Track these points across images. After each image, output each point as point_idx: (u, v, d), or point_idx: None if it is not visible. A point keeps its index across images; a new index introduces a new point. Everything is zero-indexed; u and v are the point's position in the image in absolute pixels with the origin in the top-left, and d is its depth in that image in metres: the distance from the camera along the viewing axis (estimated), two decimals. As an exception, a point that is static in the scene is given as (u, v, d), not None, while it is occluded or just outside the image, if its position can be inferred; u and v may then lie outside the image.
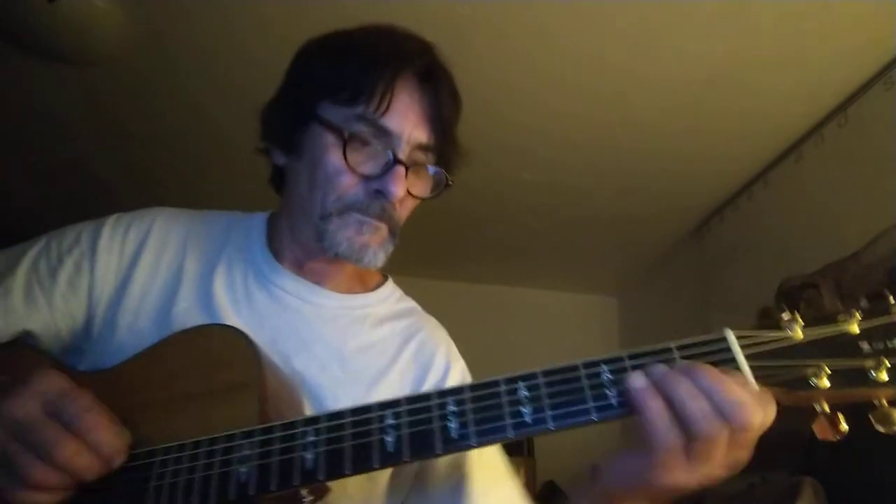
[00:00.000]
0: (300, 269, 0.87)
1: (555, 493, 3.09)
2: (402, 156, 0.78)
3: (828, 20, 1.70)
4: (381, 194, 0.77)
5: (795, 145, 2.23)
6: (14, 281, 0.79)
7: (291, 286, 0.85)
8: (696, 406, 0.53)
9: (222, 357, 0.70)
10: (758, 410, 0.53)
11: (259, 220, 0.92)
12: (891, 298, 0.57)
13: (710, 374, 0.54)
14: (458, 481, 0.79)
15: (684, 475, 0.54)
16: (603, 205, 2.78)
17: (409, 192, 0.80)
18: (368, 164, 0.78)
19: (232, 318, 0.81)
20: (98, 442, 0.59)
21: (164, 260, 0.85)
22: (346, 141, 0.76)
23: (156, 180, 2.76)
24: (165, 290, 0.82)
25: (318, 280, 0.87)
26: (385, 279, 0.97)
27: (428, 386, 0.86)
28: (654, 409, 0.54)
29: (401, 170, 0.77)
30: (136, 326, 0.79)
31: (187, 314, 0.80)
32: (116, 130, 2.44)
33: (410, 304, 0.97)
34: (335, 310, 0.87)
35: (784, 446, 0.57)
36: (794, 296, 2.12)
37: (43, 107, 2.30)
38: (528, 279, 3.69)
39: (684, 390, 0.54)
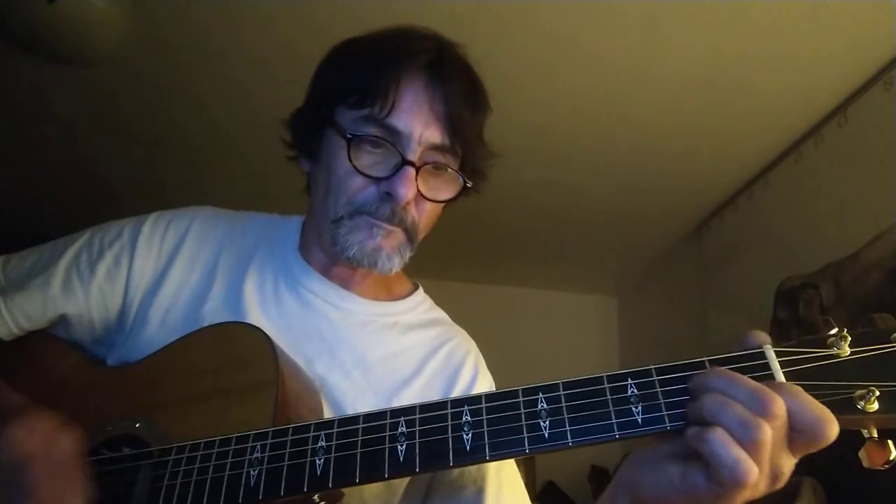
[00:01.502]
0: (328, 273, 0.87)
1: (555, 493, 3.09)
2: (412, 156, 0.76)
3: (827, 20, 1.70)
4: (389, 196, 0.76)
5: (795, 145, 2.23)
6: (56, 271, 0.81)
7: (321, 290, 0.86)
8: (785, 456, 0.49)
9: (242, 356, 0.70)
10: (832, 426, 0.49)
11: (295, 223, 0.93)
12: None
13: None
14: (476, 488, 0.78)
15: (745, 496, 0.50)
16: (603, 205, 2.78)
17: (422, 195, 0.79)
18: (379, 167, 0.77)
19: (259, 318, 0.81)
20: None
21: (201, 259, 0.86)
22: (350, 142, 0.76)
23: (157, 179, 2.76)
24: (198, 289, 0.84)
25: (346, 285, 0.87)
26: (416, 287, 0.97)
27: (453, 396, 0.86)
28: (717, 439, 0.48)
29: (410, 171, 0.75)
30: (167, 322, 0.81)
31: (216, 313, 0.81)
32: (117, 130, 2.44)
33: (441, 314, 0.97)
34: (363, 316, 0.87)
35: None
36: (793, 296, 2.12)
37: (43, 107, 2.30)
38: (528, 279, 3.69)
39: (721, 400, 0.49)
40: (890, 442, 0.50)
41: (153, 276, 0.83)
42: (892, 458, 0.49)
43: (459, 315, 0.99)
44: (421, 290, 0.97)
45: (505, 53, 1.90)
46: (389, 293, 0.93)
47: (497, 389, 0.60)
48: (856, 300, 1.84)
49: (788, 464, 0.51)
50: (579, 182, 2.61)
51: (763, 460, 0.48)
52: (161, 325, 0.80)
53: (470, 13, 1.76)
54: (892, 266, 1.71)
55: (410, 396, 0.83)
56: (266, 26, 1.86)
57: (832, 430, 0.48)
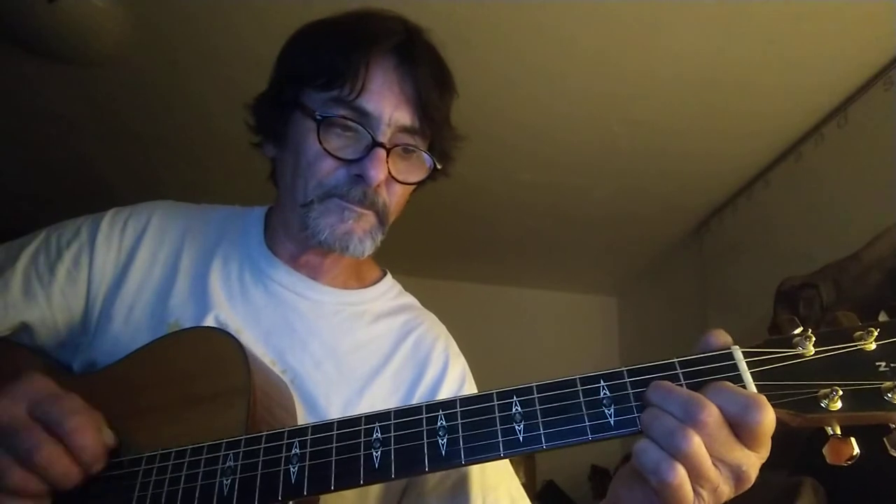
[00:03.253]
0: (295, 263, 0.86)
1: (555, 493, 3.09)
2: (382, 138, 0.75)
3: (828, 20, 1.70)
4: (360, 178, 0.75)
5: (795, 145, 2.23)
6: (13, 275, 0.79)
7: (287, 281, 0.84)
8: (713, 473, 0.50)
9: (212, 362, 0.68)
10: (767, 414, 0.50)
11: (257, 214, 0.91)
12: None
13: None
14: (456, 484, 0.77)
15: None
16: (603, 205, 2.78)
17: (393, 177, 0.77)
18: (349, 149, 0.76)
19: (228, 312, 0.80)
20: (80, 446, 0.57)
21: (162, 253, 0.84)
22: (320, 124, 0.75)
23: (157, 179, 2.76)
24: (162, 283, 0.82)
25: (314, 275, 0.86)
26: (384, 274, 0.95)
27: (424, 386, 0.84)
28: (638, 446, 0.51)
29: (380, 153, 0.74)
30: (132, 319, 0.79)
31: (182, 307, 0.80)
32: (117, 129, 2.44)
33: (409, 299, 0.96)
34: (332, 305, 0.86)
35: (784, 446, 0.55)
36: (793, 296, 2.11)
37: (43, 106, 2.30)
38: (528, 279, 3.69)
39: (653, 414, 0.51)
40: (852, 439, 0.51)
41: (114, 274, 0.82)
42: (854, 454, 0.50)
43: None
44: (389, 276, 0.95)
45: (505, 54, 1.90)
46: (359, 280, 0.92)
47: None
48: (856, 300, 1.84)
49: (748, 460, 0.50)
50: (579, 182, 2.61)
51: (701, 465, 0.49)
52: (126, 322, 0.79)
53: (470, 14, 1.76)
54: (892, 266, 1.71)
55: (382, 385, 0.82)
56: (266, 26, 1.86)
57: (762, 413, 0.49)
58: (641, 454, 0.51)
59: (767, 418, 0.49)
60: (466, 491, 0.75)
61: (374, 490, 0.78)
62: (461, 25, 1.79)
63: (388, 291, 0.93)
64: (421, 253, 3.29)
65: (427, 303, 0.99)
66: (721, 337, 0.56)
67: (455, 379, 0.87)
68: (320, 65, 0.76)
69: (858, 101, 1.95)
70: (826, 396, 0.51)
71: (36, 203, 2.95)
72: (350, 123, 0.75)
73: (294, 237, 0.84)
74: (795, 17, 1.70)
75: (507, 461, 0.81)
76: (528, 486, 3.13)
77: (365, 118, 0.75)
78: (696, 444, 0.49)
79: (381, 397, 0.81)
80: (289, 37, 0.84)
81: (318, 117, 0.75)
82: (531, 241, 3.19)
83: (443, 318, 0.99)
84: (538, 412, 0.55)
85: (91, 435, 0.58)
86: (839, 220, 1.98)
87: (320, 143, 0.75)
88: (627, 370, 0.55)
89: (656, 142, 2.30)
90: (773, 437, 0.52)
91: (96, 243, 0.82)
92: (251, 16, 1.85)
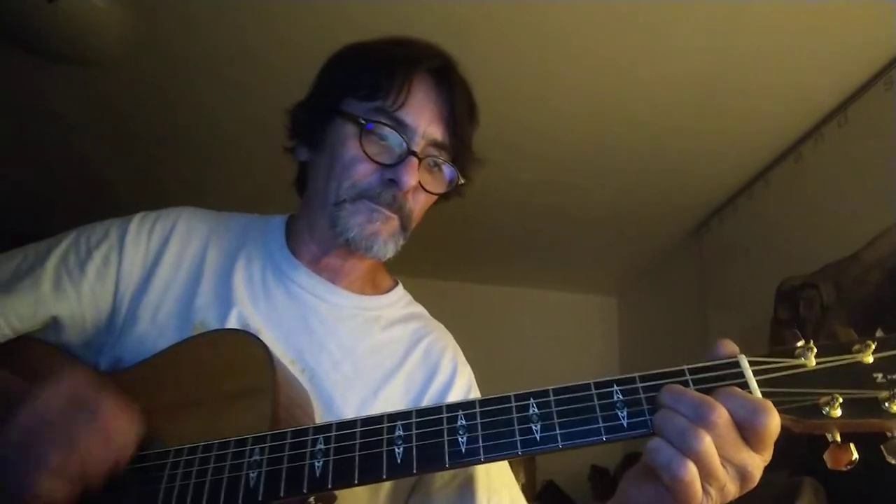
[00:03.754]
0: (316, 266, 0.90)
1: (555, 493, 3.09)
2: (416, 148, 0.82)
3: (828, 20, 1.70)
4: (393, 183, 0.81)
5: (795, 145, 2.24)
6: (44, 273, 0.81)
7: (308, 283, 0.88)
8: (721, 471, 0.53)
9: (237, 362, 0.71)
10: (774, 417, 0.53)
11: (278, 220, 0.96)
12: None
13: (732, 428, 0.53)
14: (462, 485, 0.79)
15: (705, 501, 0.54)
16: (603, 204, 2.78)
17: (421, 187, 0.84)
18: (384, 155, 0.82)
19: (249, 310, 0.83)
20: (112, 430, 0.60)
21: (187, 256, 0.88)
22: (363, 129, 0.81)
23: (157, 179, 2.76)
24: (187, 285, 0.85)
25: (333, 278, 0.90)
26: (396, 283, 0.99)
27: (433, 390, 0.88)
28: (652, 444, 0.54)
29: (414, 161, 0.81)
30: (158, 319, 0.82)
31: (207, 308, 0.83)
32: (117, 129, 2.44)
33: (419, 308, 1.00)
34: (349, 309, 0.89)
35: (785, 447, 0.57)
36: (793, 296, 2.12)
37: (43, 106, 2.30)
38: (528, 279, 3.69)
39: (666, 415, 0.54)
40: (851, 445, 0.54)
41: (141, 275, 0.84)
42: (853, 459, 0.54)
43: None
44: (401, 285, 1.00)
45: (505, 54, 1.90)
46: (374, 287, 0.96)
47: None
48: (856, 300, 1.84)
49: (753, 461, 0.53)
50: (579, 182, 2.61)
51: (710, 464, 0.52)
52: (152, 322, 0.81)
53: (470, 14, 1.76)
54: (892, 266, 1.71)
55: (396, 387, 0.85)
56: (266, 26, 1.86)
57: (768, 417, 0.52)
58: (654, 452, 0.53)
59: (773, 422, 0.52)
60: (472, 492, 0.78)
61: (385, 488, 0.80)
62: (461, 25, 1.79)
63: (401, 300, 0.97)
64: (421, 253, 3.29)
65: (427, 303, 1.00)
66: (729, 346, 0.59)
67: (462, 387, 0.90)
68: (366, 77, 0.83)
69: (858, 101, 1.95)
70: (827, 404, 0.54)
71: (36, 203, 2.95)
72: (388, 132, 0.82)
73: (318, 239, 0.89)
74: (795, 17, 1.70)
75: (508, 468, 0.85)
76: (528, 486, 3.13)
77: (402, 129, 0.82)
78: (708, 443, 0.52)
79: (393, 399, 0.84)
80: (334, 52, 0.91)
81: (362, 121, 0.81)
82: (531, 241, 3.19)
83: (443, 318, 1.00)
84: (554, 413, 0.58)
85: (125, 420, 0.62)
86: (839, 220, 1.98)
87: (361, 147, 0.81)
88: (640, 376, 0.58)
89: (656, 142, 2.30)
90: (775, 440, 0.54)
91: (125, 244, 0.85)
92: (251, 15, 1.85)
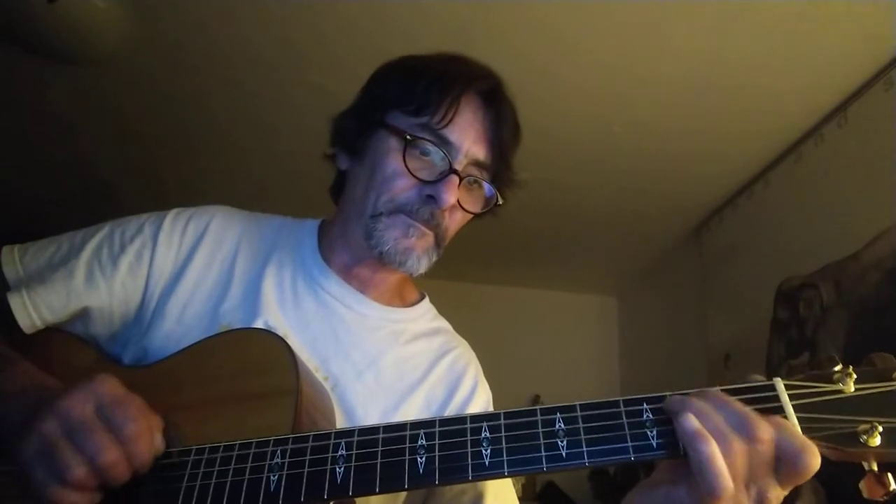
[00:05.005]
0: (347, 275, 0.89)
1: (555, 493, 3.09)
2: (458, 166, 0.81)
3: (827, 20, 1.70)
4: (432, 200, 0.81)
5: (795, 145, 2.24)
6: (77, 265, 0.81)
7: (338, 291, 0.88)
8: (757, 464, 0.52)
9: (261, 362, 0.71)
10: (813, 457, 0.51)
11: (311, 225, 0.95)
12: None
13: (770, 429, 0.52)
14: (473, 499, 0.80)
15: None
16: (603, 205, 2.78)
17: (459, 205, 0.83)
18: (425, 171, 0.81)
19: (278, 316, 0.83)
20: (135, 453, 0.60)
21: (218, 256, 0.87)
22: (407, 144, 0.81)
23: (157, 179, 2.76)
24: (216, 286, 0.85)
25: (363, 288, 0.90)
26: (423, 296, 0.99)
27: (453, 406, 0.88)
28: (709, 453, 0.51)
29: (454, 179, 0.80)
30: (184, 318, 0.82)
31: (235, 310, 0.83)
32: (118, 129, 2.44)
33: (444, 323, 0.99)
34: (376, 321, 0.89)
35: None
36: (793, 296, 2.12)
37: (44, 106, 2.30)
38: (528, 279, 3.69)
39: (708, 410, 0.53)
40: (889, 475, 0.53)
41: (172, 272, 0.85)
42: (891, 489, 0.52)
43: (460, 315, 1.00)
44: (427, 299, 0.99)
45: (505, 53, 1.90)
46: (402, 300, 0.96)
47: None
48: (856, 300, 1.84)
49: (775, 492, 0.52)
50: (579, 182, 2.61)
51: (740, 474, 0.51)
52: (179, 321, 0.81)
53: (470, 13, 1.76)
54: (892, 266, 1.71)
55: (417, 401, 0.85)
56: (266, 26, 1.86)
57: (814, 461, 0.51)
58: (699, 440, 0.51)
59: (815, 464, 0.51)
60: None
61: (401, 496, 0.81)
62: (461, 25, 1.79)
63: (427, 314, 0.97)
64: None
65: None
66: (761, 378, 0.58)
67: (480, 405, 0.91)
68: (413, 93, 0.83)
69: (858, 101, 1.95)
70: (865, 432, 0.53)
71: (37, 203, 2.95)
72: (431, 148, 0.81)
73: (351, 248, 0.88)
74: (795, 18, 1.70)
75: (511, 489, 0.86)
76: (529, 487, 3.14)
77: (446, 146, 0.82)
78: (743, 454, 0.51)
79: (413, 413, 0.84)
80: (383, 63, 0.91)
81: (408, 137, 0.81)
82: (531, 241, 3.19)
83: (443, 318, 1.00)
84: (581, 430, 0.57)
85: (148, 442, 0.61)
86: (839, 220, 1.98)
87: (404, 160, 0.81)
88: (671, 395, 0.57)
89: (656, 142, 2.30)
90: None
91: (158, 240, 0.85)
92: (251, 15, 1.85)
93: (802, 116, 2.11)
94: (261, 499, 0.59)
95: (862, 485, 0.53)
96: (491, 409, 0.93)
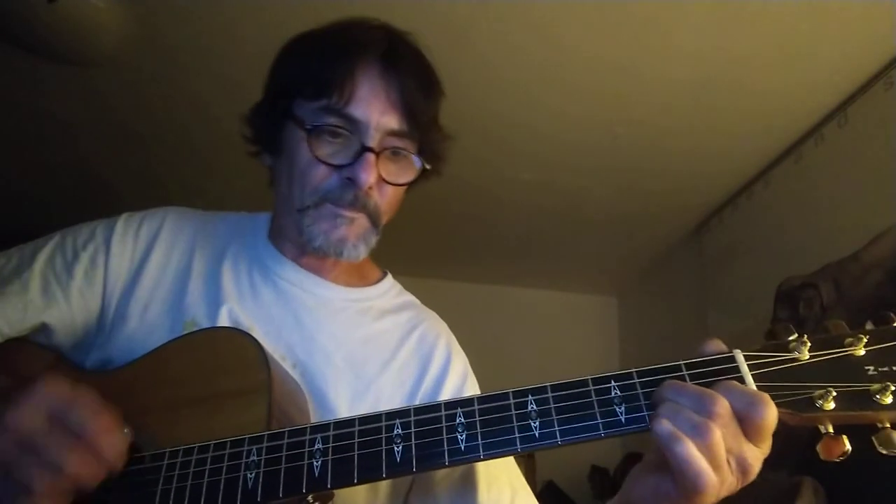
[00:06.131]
0: (300, 262, 0.89)
1: (555, 493, 3.09)
2: (371, 143, 0.78)
3: (828, 20, 1.70)
4: (352, 182, 0.78)
5: (795, 145, 2.23)
6: (31, 276, 0.80)
7: (294, 278, 0.88)
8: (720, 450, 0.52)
9: (231, 361, 0.70)
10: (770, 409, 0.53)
11: (263, 218, 0.95)
12: None
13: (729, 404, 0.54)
14: (463, 475, 0.79)
15: (712, 497, 0.54)
16: (603, 205, 2.78)
17: (384, 180, 0.81)
18: (339, 155, 0.79)
19: (238, 308, 0.82)
20: (103, 448, 0.58)
21: (175, 256, 0.87)
22: (310, 133, 0.78)
23: (157, 179, 2.76)
24: (175, 284, 0.85)
25: (319, 272, 0.89)
26: (384, 274, 0.98)
27: (429, 379, 0.87)
28: (685, 454, 0.52)
29: (370, 157, 0.78)
30: (147, 318, 0.81)
31: (197, 306, 0.82)
32: (117, 130, 2.44)
33: (410, 297, 0.99)
34: (338, 302, 0.88)
35: (784, 446, 0.57)
36: (793, 296, 2.12)
37: (43, 107, 2.30)
38: (528, 279, 3.69)
39: (674, 408, 0.54)
40: (844, 437, 0.55)
41: (129, 274, 0.84)
42: (846, 450, 0.55)
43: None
44: (390, 275, 0.98)
45: (505, 54, 1.90)
46: (362, 279, 0.95)
47: (494, 389, 0.62)
48: (856, 300, 1.84)
49: (752, 453, 0.54)
50: (579, 182, 2.61)
51: (720, 458, 0.52)
52: (141, 321, 0.81)
53: (470, 14, 1.76)
54: (892, 266, 1.71)
55: (390, 378, 0.85)
56: (266, 26, 1.86)
57: (767, 409, 0.53)
58: (670, 441, 0.53)
59: (771, 414, 0.53)
60: (473, 481, 0.78)
61: (385, 483, 0.80)
62: (461, 25, 1.79)
63: (391, 290, 0.96)
64: (422, 253, 3.29)
65: (429, 303, 1.00)
66: (718, 346, 0.60)
67: (458, 374, 0.90)
68: (308, 75, 0.80)
69: (858, 101, 1.95)
70: (821, 397, 0.55)
71: (36, 203, 2.95)
72: (339, 130, 0.78)
73: (294, 240, 0.87)
74: (795, 17, 1.70)
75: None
76: (528, 487, 3.13)
77: (354, 125, 0.79)
78: (719, 435, 0.52)
79: (387, 391, 0.83)
80: (280, 49, 0.88)
81: (308, 127, 0.78)
82: (531, 241, 3.19)
83: (444, 318, 1.00)
84: (553, 410, 0.58)
85: (114, 435, 0.59)
86: (839, 220, 1.98)
87: (311, 151, 0.78)
88: (637, 371, 0.59)
89: (656, 142, 2.30)
90: (774, 438, 0.55)
91: (111, 244, 0.85)
92: (251, 15, 1.85)
93: (802, 116, 2.11)
94: (238, 498, 0.59)
95: (819, 447, 0.55)
96: (470, 375, 0.92)
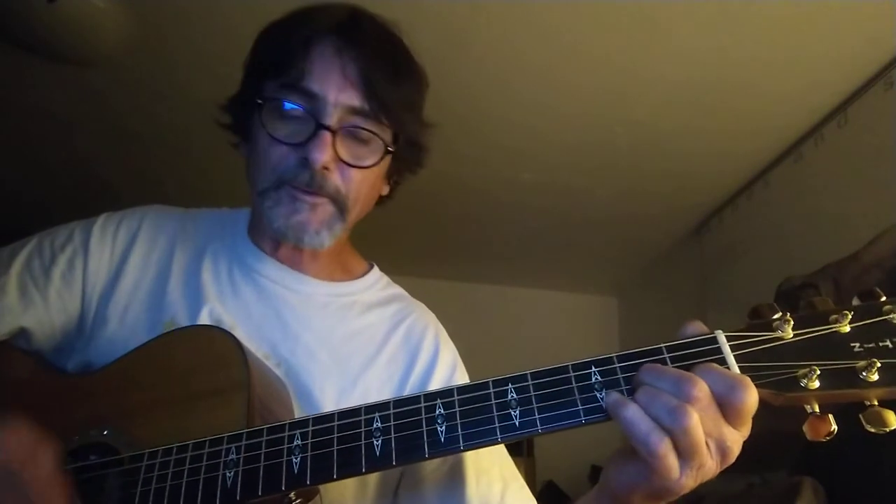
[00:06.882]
0: (277, 256, 0.87)
1: (555, 493, 3.09)
2: (328, 120, 0.74)
3: (828, 20, 1.70)
4: (307, 162, 0.75)
5: (795, 145, 2.23)
6: (8, 280, 0.79)
7: (275, 275, 0.85)
8: (664, 401, 0.52)
9: (210, 360, 0.69)
10: (750, 392, 0.52)
11: (244, 213, 0.93)
12: (882, 297, 0.55)
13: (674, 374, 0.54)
14: (452, 467, 0.78)
15: (683, 477, 0.53)
16: (602, 205, 2.78)
17: (342, 160, 0.76)
18: (297, 135, 0.76)
19: (219, 308, 0.81)
20: None
21: (154, 255, 0.85)
22: (262, 109, 0.76)
23: (157, 179, 2.76)
24: (156, 284, 0.83)
25: (298, 267, 0.87)
26: (371, 266, 0.96)
27: (417, 372, 0.85)
28: (630, 417, 0.53)
29: (324, 134, 0.74)
30: (127, 319, 0.80)
31: (177, 305, 0.81)
32: (117, 130, 2.44)
33: (398, 290, 0.96)
34: (321, 297, 0.86)
35: (784, 446, 0.56)
36: (793, 296, 2.11)
37: (43, 107, 2.30)
38: (528, 279, 3.69)
39: (651, 392, 0.53)
40: (830, 416, 0.53)
41: (108, 276, 0.83)
42: (832, 430, 0.53)
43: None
44: (377, 268, 0.96)
45: (505, 54, 1.90)
46: (346, 272, 0.92)
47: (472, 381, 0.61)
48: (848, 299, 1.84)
49: (732, 437, 0.53)
50: (579, 182, 2.61)
51: (697, 440, 0.51)
52: (121, 322, 0.80)
53: (469, 14, 1.76)
54: (892, 266, 1.71)
55: (377, 373, 0.83)
56: (265, 25, 1.86)
57: (746, 393, 0.51)
58: (632, 424, 0.53)
59: (751, 398, 0.52)
60: (462, 473, 0.76)
61: (373, 477, 0.79)
62: (460, 25, 1.79)
63: (377, 283, 0.94)
64: (422, 254, 3.29)
65: (428, 303, 0.99)
66: (699, 327, 0.59)
67: (446, 366, 0.88)
68: (268, 54, 0.79)
69: (858, 101, 1.95)
70: (805, 376, 0.53)
71: (36, 203, 2.95)
72: (296, 109, 0.75)
73: (266, 232, 0.85)
74: (795, 17, 1.70)
75: (502, 445, 0.82)
76: (528, 487, 3.13)
77: (312, 101, 0.75)
78: (696, 419, 0.51)
79: (375, 386, 0.82)
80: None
81: (258, 101, 0.76)
82: (531, 241, 3.19)
83: (443, 319, 0.99)
84: (533, 398, 0.57)
85: (56, 496, 0.57)
86: (839, 220, 1.98)
87: (265, 128, 0.76)
88: (617, 356, 0.58)
89: (656, 142, 2.30)
90: (773, 438, 0.53)
91: (90, 246, 0.83)
92: (251, 15, 1.84)
93: (802, 116, 2.11)
94: (218, 497, 0.58)
95: (805, 427, 0.54)
96: (460, 367, 0.90)
